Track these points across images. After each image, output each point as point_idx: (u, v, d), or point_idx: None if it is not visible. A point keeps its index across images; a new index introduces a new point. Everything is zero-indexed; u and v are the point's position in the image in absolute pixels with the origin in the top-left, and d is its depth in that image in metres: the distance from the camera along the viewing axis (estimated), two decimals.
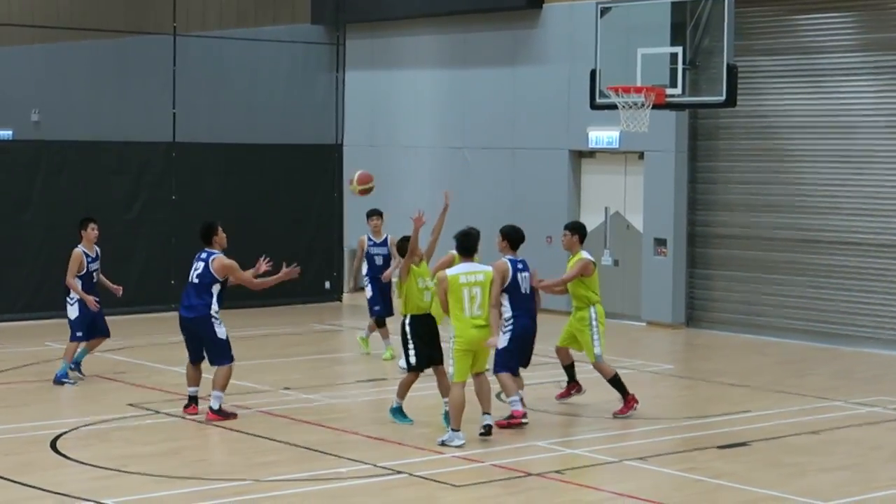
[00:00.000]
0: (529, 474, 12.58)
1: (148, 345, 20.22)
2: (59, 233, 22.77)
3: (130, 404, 15.55)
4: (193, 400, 15.09)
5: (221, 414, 14.80)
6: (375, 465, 12.75)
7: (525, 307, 14.58)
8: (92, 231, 17.21)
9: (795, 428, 14.71)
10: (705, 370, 19.09)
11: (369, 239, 19.55)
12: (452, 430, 13.70)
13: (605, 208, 23.93)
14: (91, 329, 17.15)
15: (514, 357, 14.60)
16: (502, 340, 14.30)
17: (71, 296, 17.07)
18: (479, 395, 14.05)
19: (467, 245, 14.31)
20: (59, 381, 16.83)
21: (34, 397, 16.20)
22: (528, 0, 24.63)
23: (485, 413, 14.05)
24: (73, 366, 17.14)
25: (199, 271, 14.85)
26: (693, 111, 22.23)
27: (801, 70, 21.73)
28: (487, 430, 13.95)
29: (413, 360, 14.47)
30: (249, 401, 15.91)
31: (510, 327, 14.50)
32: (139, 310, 23.11)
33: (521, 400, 14.47)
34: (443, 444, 13.60)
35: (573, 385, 16.02)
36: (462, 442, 13.59)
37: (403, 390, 14.71)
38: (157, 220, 23.78)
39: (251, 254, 19.89)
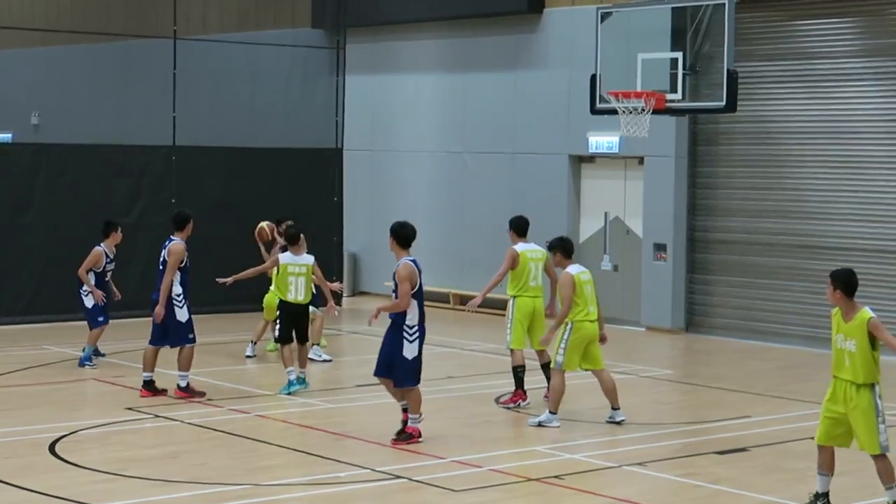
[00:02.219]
0: (529, 479, 12.57)
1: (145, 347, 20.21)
2: (58, 236, 22.81)
3: (129, 408, 15.54)
4: (148, 385, 16.16)
5: (188, 391, 15.97)
6: (374, 470, 12.74)
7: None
8: (118, 234, 18.70)
9: (795, 434, 14.70)
10: (705, 375, 19.08)
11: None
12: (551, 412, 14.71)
13: (605, 213, 23.93)
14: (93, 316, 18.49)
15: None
16: (411, 350, 13.96)
17: (84, 287, 18.39)
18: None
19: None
20: (82, 364, 18.19)
21: (33, 400, 16.19)
22: (529, 5, 24.64)
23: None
24: (88, 362, 18.27)
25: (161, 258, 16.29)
26: (693, 116, 22.23)
27: (801, 76, 21.74)
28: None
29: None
30: (248, 405, 15.91)
31: (417, 334, 14.08)
32: (139, 313, 22.96)
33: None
34: (540, 424, 14.63)
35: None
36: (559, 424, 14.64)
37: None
38: (157, 224, 23.68)
39: (250, 258, 19.95)
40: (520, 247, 16.20)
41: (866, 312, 11.60)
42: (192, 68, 24.50)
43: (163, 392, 16.28)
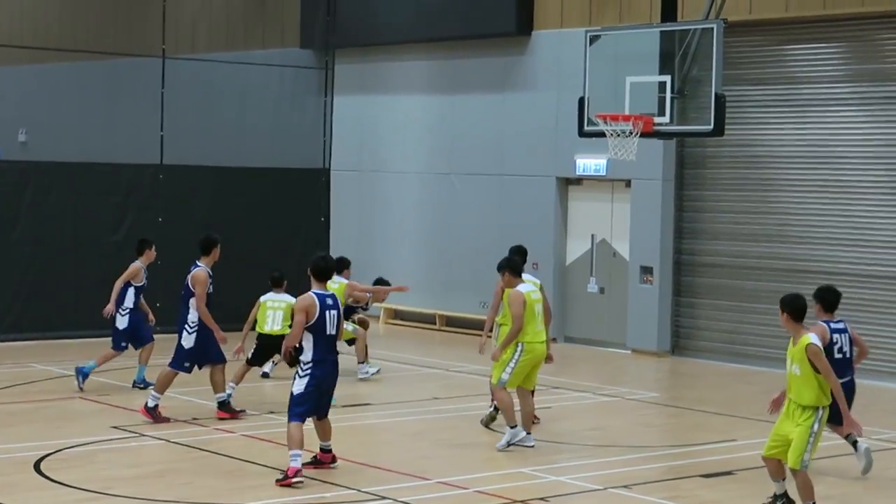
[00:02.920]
0: (514, 501, 12.56)
1: (132, 367, 20.15)
2: (45, 253, 22.79)
3: (114, 426, 15.50)
4: (224, 406, 16.27)
5: (151, 413, 15.75)
6: (360, 491, 12.72)
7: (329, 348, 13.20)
8: (152, 252, 18.56)
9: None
10: (690, 398, 19.09)
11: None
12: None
13: (592, 235, 23.96)
14: (135, 339, 18.19)
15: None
16: (298, 386, 12.98)
17: (123, 307, 18.09)
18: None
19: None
20: (136, 385, 18.25)
21: (18, 419, 16.14)
22: (518, 27, 24.70)
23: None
24: (141, 384, 18.05)
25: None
26: (681, 140, 22.29)
27: (788, 100, 21.82)
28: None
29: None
30: (234, 424, 15.88)
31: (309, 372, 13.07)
32: None
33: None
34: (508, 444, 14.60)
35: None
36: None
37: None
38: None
39: (237, 277, 19.96)
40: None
41: (807, 338, 11.92)
42: (180, 87, 24.50)
43: (241, 412, 16.31)
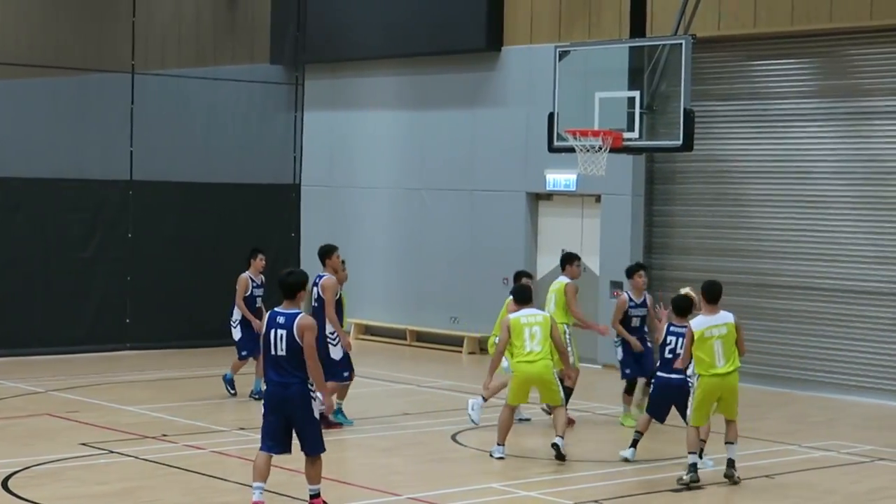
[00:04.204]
0: None
1: (102, 383, 20.10)
2: (14, 270, 22.68)
3: (83, 443, 15.43)
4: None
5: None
6: None
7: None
8: (260, 261, 19.12)
9: (750, 471, 14.73)
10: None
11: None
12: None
13: (562, 250, 23.93)
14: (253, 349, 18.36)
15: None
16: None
17: (234, 318, 18.79)
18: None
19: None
20: (252, 396, 18.69)
21: None
22: (487, 43, 24.74)
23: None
24: (257, 395, 18.16)
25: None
26: (650, 155, 22.35)
27: (757, 115, 21.90)
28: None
29: None
30: (204, 440, 15.83)
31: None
32: (94, 348, 23.01)
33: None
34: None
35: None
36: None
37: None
38: (114, 259, 23.68)
39: (207, 293, 19.91)
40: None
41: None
42: (149, 103, 24.47)
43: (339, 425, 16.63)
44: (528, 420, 17.20)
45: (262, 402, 12.21)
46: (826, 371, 20.92)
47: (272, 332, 11.94)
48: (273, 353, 11.93)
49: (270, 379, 12.02)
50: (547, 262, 24.27)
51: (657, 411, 15.18)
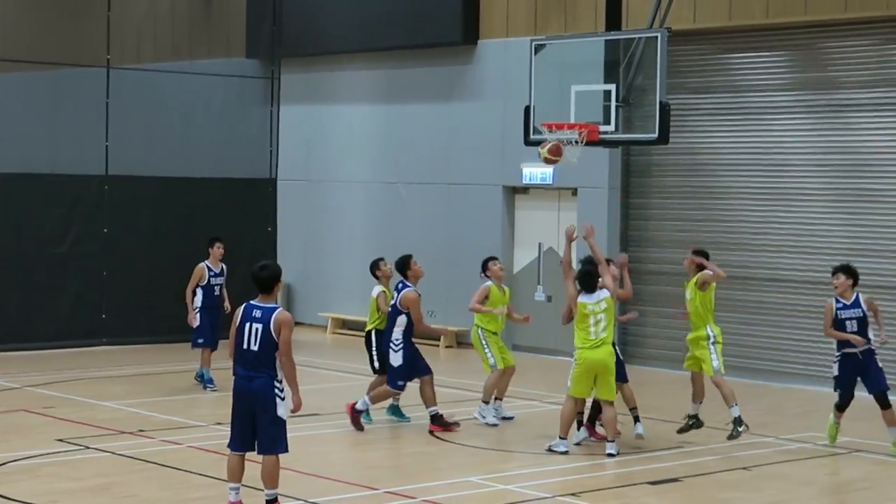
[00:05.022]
0: None
1: (78, 379, 20.04)
2: None
3: (59, 439, 15.38)
4: (437, 419, 16.37)
5: (356, 415, 16.36)
6: (307, 501, 12.67)
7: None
8: (217, 249, 19.31)
9: (727, 464, 14.78)
10: (638, 406, 19.09)
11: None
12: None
13: (539, 244, 24.01)
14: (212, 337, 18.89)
15: None
16: None
17: (195, 306, 19.06)
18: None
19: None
20: (205, 386, 18.96)
21: None
22: (463, 36, 24.74)
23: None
24: (198, 380, 18.94)
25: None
26: (626, 148, 22.38)
27: (732, 108, 21.95)
28: None
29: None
30: (181, 436, 15.80)
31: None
32: (70, 344, 22.93)
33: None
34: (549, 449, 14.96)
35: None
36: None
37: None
38: (89, 254, 23.61)
39: (183, 288, 19.80)
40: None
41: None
42: (125, 97, 24.38)
43: (455, 425, 16.39)
44: (511, 419, 17.12)
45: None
46: (802, 363, 20.99)
47: (247, 325, 11.60)
48: (245, 346, 11.59)
49: (237, 373, 11.72)
50: (523, 255, 24.30)
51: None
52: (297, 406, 11.80)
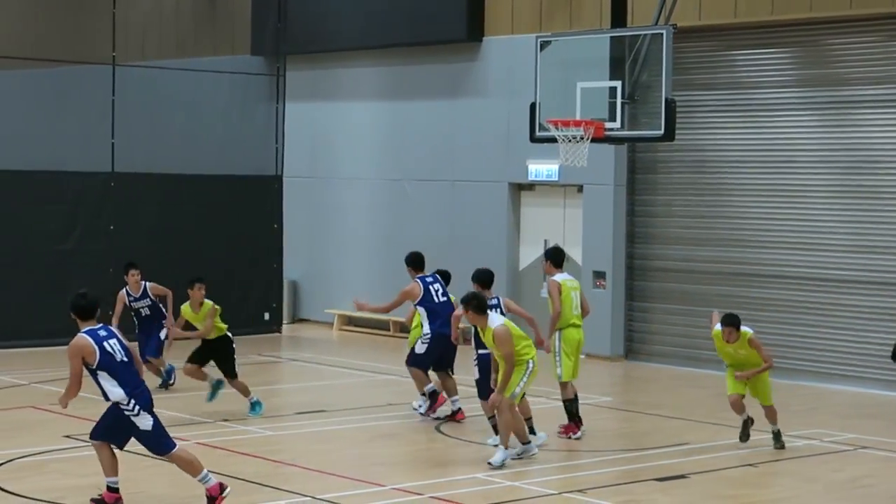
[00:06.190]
0: None
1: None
2: None
3: (67, 436, 15.41)
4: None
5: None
6: (314, 498, 12.70)
7: None
8: (132, 276, 19.10)
9: (733, 460, 14.79)
10: (643, 402, 19.16)
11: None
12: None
13: (545, 241, 24.00)
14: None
15: None
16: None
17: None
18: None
19: None
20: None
21: None
22: (469, 33, 24.74)
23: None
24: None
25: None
26: (632, 145, 22.38)
27: (738, 105, 21.95)
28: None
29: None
30: (188, 432, 15.81)
31: None
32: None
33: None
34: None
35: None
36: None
37: None
38: (94, 251, 23.64)
39: (185, 285, 19.77)
40: (559, 277, 16.16)
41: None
42: (130, 94, 24.41)
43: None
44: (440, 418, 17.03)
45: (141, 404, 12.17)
46: (808, 360, 20.99)
47: (106, 344, 11.95)
48: (119, 359, 12.00)
49: (141, 381, 12.19)
50: (529, 252, 24.31)
51: None
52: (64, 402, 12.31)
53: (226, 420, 16.69)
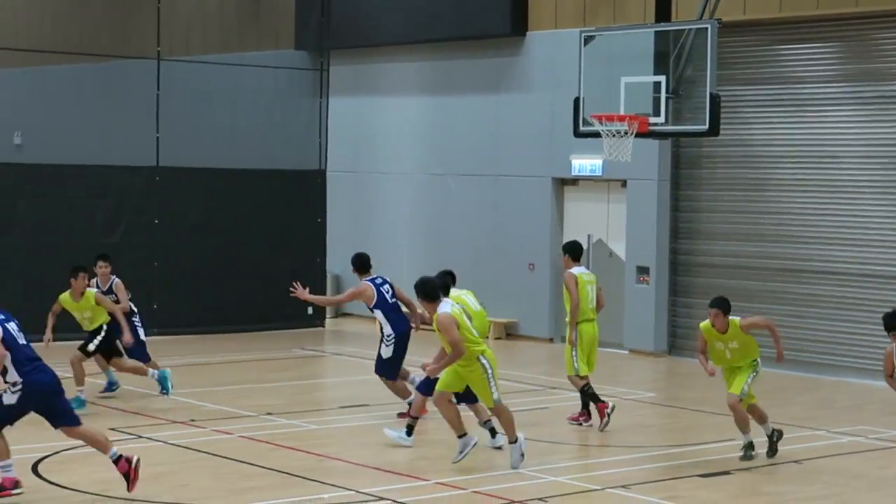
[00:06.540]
0: (512, 501, 12.57)
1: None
2: (41, 256, 22.76)
3: (112, 428, 15.50)
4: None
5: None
6: (358, 492, 12.73)
7: None
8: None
9: (777, 457, 14.72)
10: (687, 398, 19.11)
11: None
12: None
13: (588, 236, 23.96)
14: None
15: None
16: None
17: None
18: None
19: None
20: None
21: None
22: (512, 27, 24.72)
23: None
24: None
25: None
26: (676, 140, 22.31)
27: (783, 100, 21.84)
28: None
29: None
30: (232, 426, 15.89)
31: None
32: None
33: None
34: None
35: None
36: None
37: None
38: (140, 244, 23.77)
39: (233, 279, 19.95)
40: (575, 270, 16.36)
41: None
42: (175, 89, 24.53)
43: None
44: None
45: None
46: (853, 356, 20.88)
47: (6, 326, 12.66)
48: (21, 343, 12.66)
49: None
50: None
51: None
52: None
53: (270, 413, 16.75)
